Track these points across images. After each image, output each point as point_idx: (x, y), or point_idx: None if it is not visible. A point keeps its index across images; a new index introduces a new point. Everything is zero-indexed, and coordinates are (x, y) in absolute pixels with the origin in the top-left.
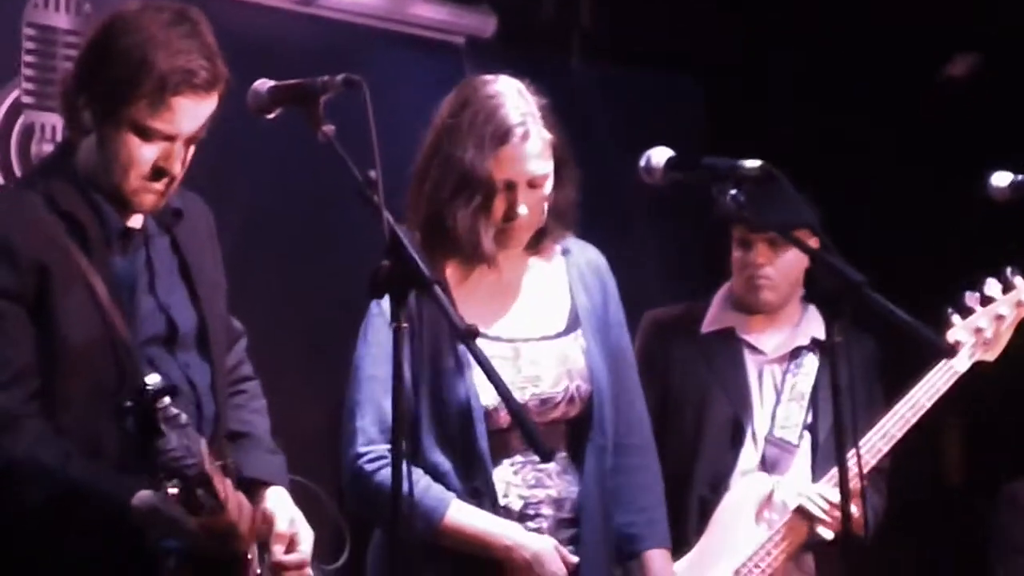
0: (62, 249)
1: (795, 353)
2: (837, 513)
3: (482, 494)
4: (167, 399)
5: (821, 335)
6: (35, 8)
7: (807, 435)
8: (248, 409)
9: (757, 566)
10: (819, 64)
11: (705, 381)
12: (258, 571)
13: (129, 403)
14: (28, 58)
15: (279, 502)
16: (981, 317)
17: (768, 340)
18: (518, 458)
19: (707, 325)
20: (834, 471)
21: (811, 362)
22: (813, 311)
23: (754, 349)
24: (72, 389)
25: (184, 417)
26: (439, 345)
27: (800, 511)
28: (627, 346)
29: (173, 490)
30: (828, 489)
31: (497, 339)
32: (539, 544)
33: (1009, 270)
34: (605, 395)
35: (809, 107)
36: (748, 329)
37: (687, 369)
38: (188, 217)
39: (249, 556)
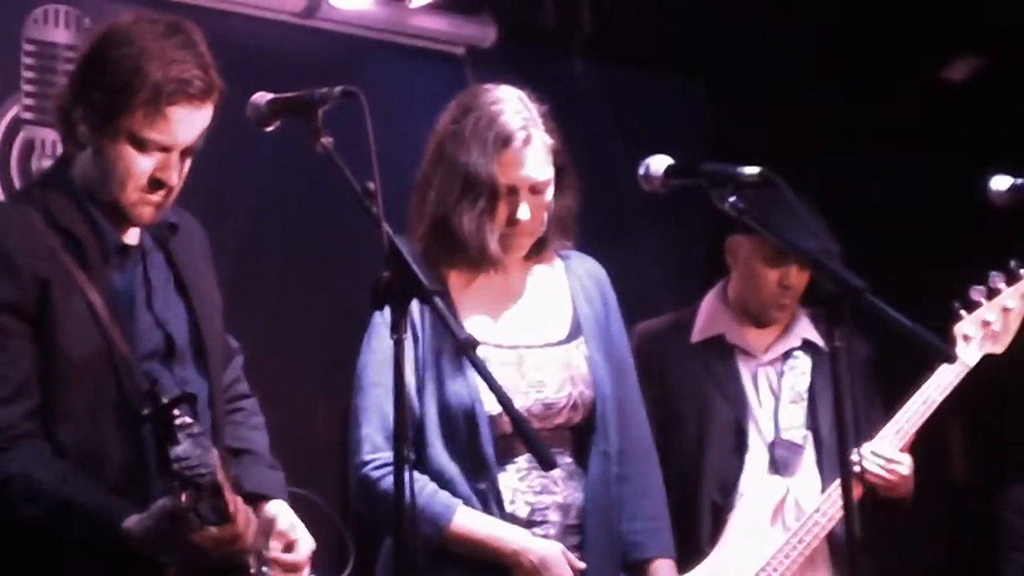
0: (61, 264)
1: (787, 354)
2: (895, 468)
3: (489, 498)
4: (182, 408)
5: (812, 336)
6: (35, 24)
7: (810, 434)
8: (247, 426)
9: (775, 569)
10: (823, 66)
11: (702, 389)
12: None
13: (147, 411)
14: (28, 74)
15: (279, 510)
16: (988, 310)
17: (760, 343)
18: (523, 464)
19: (698, 333)
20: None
21: (805, 362)
22: (802, 313)
23: (746, 353)
24: (72, 404)
25: (198, 427)
26: (443, 350)
27: (858, 469)
28: (628, 355)
29: (183, 496)
30: (883, 446)
31: (500, 346)
32: (546, 549)
33: (1013, 263)
34: (608, 401)
35: (813, 109)
36: (739, 334)
37: (683, 379)
38: (182, 232)
39: (252, 570)
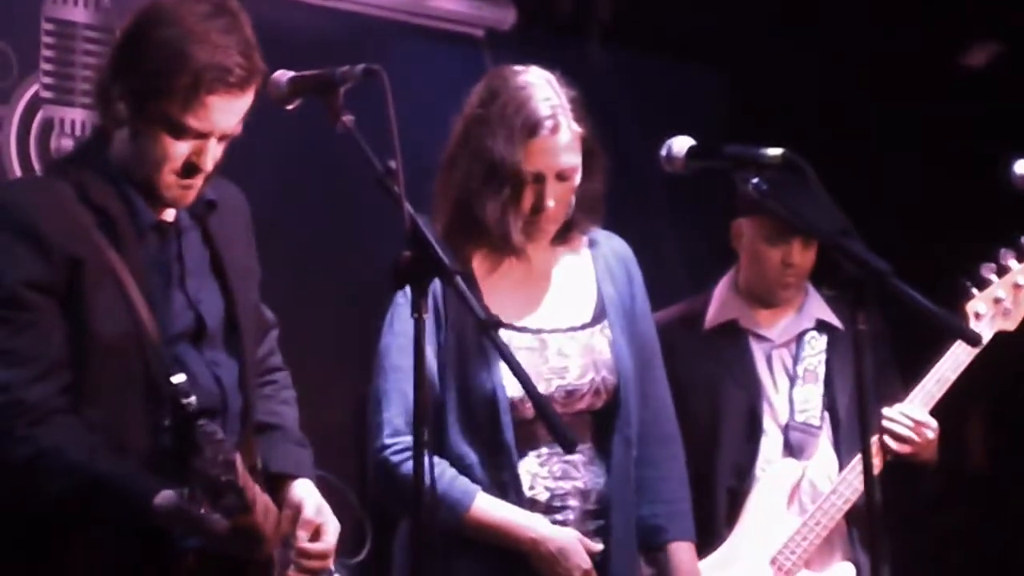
0: (93, 243)
1: (801, 335)
2: (923, 431)
3: (507, 486)
4: (205, 418)
5: (826, 316)
6: (54, 3)
7: (827, 415)
8: (277, 400)
9: (793, 552)
10: (841, 52)
11: (715, 375)
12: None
13: (167, 422)
14: (47, 53)
15: (306, 492)
16: (998, 288)
17: (773, 326)
18: (544, 449)
19: (711, 320)
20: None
21: (819, 343)
22: (814, 293)
23: (760, 337)
24: (100, 383)
25: (221, 434)
26: (465, 334)
27: (884, 430)
28: (653, 336)
29: (209, 512)
30: (912, 408)
31: (524, 330)
32: (564, 537)
33: (1023, 239)
34: (630, 387)
35: (831, 95)
36: (752, 318)
37: (695, 366)
38: (222, 207)
39: (274, 560)
